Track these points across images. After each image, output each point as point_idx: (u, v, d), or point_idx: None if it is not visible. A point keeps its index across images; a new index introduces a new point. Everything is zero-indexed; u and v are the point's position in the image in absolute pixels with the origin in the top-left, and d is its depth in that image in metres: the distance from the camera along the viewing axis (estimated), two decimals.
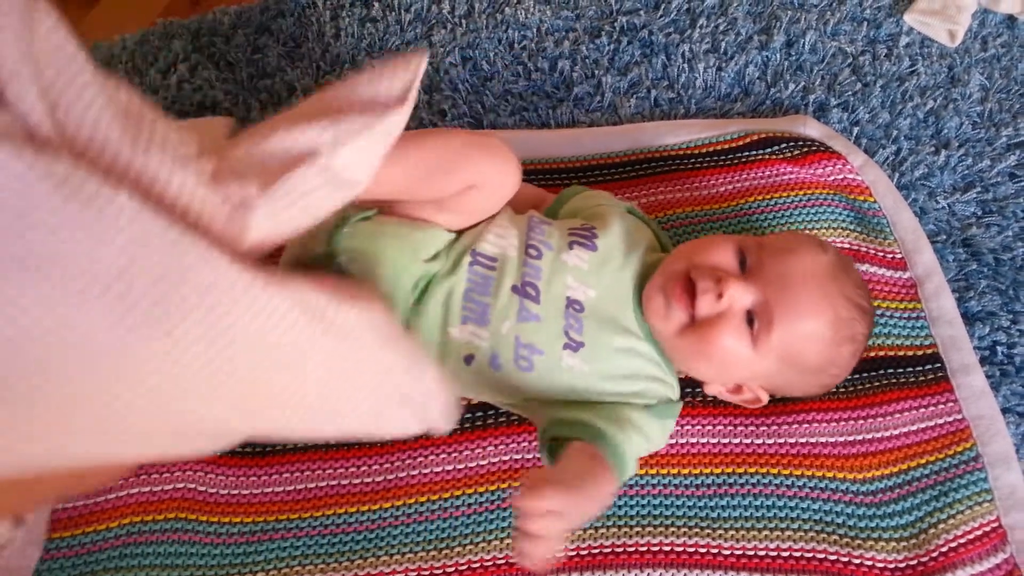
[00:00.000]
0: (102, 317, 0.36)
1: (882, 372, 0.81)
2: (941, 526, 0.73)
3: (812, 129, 0.96)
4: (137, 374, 0.39)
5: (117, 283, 0.36)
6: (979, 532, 0.72)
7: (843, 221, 0.89)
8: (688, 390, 0.79)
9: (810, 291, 0.68)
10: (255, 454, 0.77)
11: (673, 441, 0.77)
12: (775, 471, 0.76)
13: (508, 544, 0.73)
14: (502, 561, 0.72)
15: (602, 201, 0.81)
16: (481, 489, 0.75)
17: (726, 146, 0.95)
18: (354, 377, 0.49)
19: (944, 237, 0.91)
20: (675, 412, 0.73)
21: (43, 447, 0.42)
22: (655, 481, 0.75)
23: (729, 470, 0.76)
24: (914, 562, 0.71)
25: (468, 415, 0.78)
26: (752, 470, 0.76)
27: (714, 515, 0.74)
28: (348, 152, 0.45)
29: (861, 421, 0.78)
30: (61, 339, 0.36)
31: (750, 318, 0.68)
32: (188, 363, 0.39)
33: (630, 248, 0.74)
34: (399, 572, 0.72)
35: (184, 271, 0.38)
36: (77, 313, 0.36)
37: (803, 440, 0.77)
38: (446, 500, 0.75)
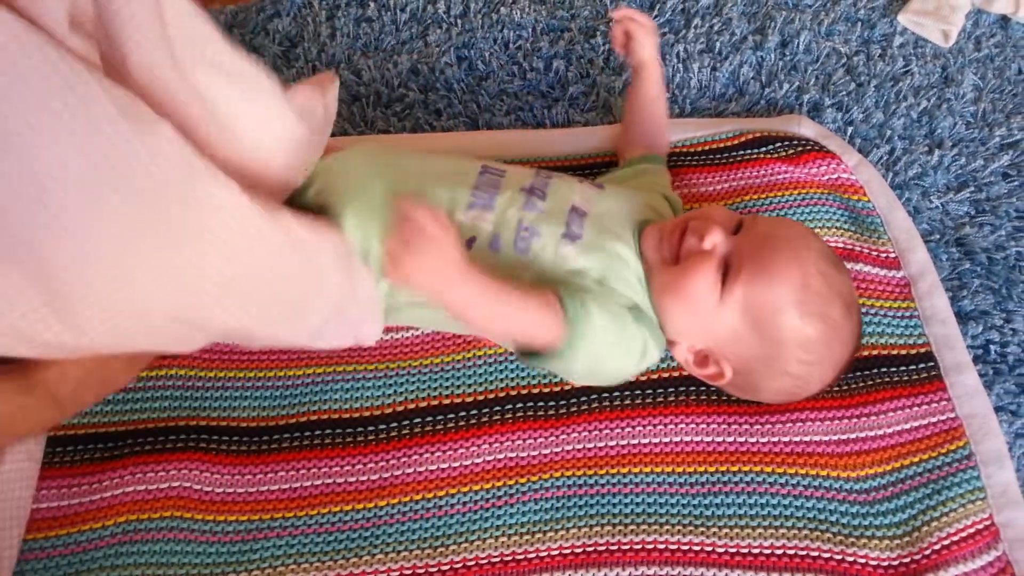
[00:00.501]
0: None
1: (875, 371, 0.81)
2: (934, 524, 0.73)
3: (806, 129, 0.97)
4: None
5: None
6: (972, 530, 0.73)
7: (837, 220, 0.89)
8: (682, 388, 0.80)
9: (783, 251, 0.70)
10: (250, 452, 0.77)
11: (666, 439, 0.77)
12: (768, 469, 0.76)
13: (503, 542, 0.73)
14: (496, 559, 0.72)
15: (650, 178, 0.87)
16: (476, 487, 0.76)
17: (720, 145, 0.95)
18: (303, 285, 0.66)
19: (937, 236, 0.91)
20: (653, 326, 0.74)
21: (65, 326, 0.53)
22: (649, 479, 0.76)
23: (723, 468, 0.76)
24: (907, 560, 0.72)
25: (463, 413, 0.79)
26: (746, 468, 0.76)
27: (708, 513, 0.74)
28: None
29: (854, 420, 0.78)
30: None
31: (726, 271, 0.70)
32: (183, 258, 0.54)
33: (634, 200, 0.79)
34: (394, 570, 0.72)
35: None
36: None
37: (796, 438, 0.77)
38: (440, 498, 0.75)
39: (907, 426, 0.78)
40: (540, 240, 0.72)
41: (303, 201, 0.73)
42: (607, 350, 0.70)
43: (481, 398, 0.80)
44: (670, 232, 0.74)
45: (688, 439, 0.78)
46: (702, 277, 0.70)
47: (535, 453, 0.77)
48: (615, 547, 0.72)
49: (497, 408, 0.79)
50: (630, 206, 0.79)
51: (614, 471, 0.76)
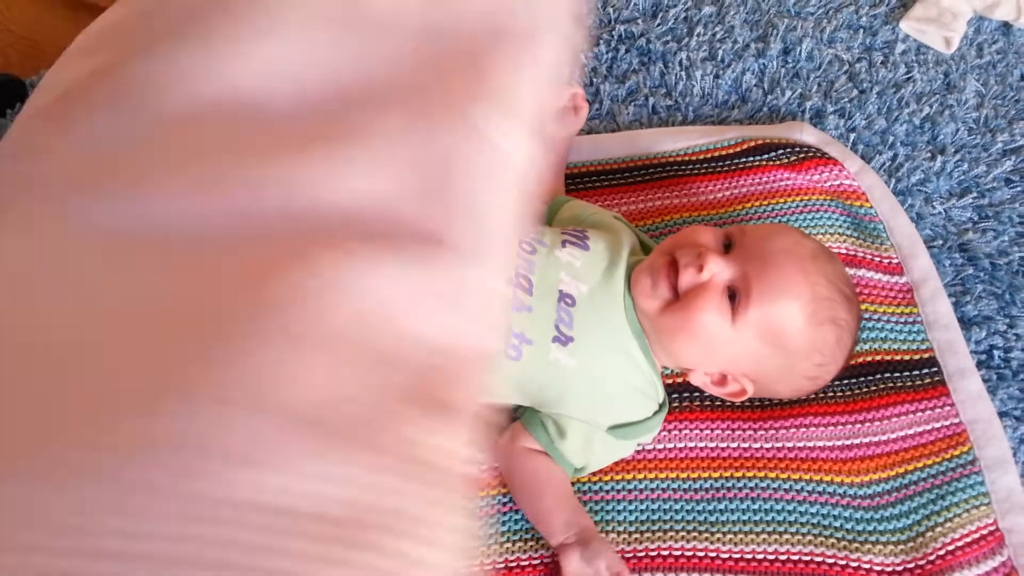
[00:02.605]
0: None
1: (879, 376, 0.81)
2: (939, 529, 0.73)
3: (809, 135, 0.97)
4: None
5: None
6: (976, 535, 0.73)
7: (839, 227, 0.90)
8: (686, 394, 0.80)
9: (788, 266, 0.70)
10: None
11: (671, 445, 0.78)
12: (773, 475, 0.76)
13: (507, 548, 0.73)
14: (501, 565, 0.72)
15: (592, 210, 0.84)
16: (481, 494, 0.76)
17: (723, 152, 0.96)
18: None
19: (940, 242, 0.92)
20: (645, 429, 0.75)
21: None
22: (653, 485, 0.76)
23: (727, 474, 0.76)
24: (912, 565, 0.72)
25: None
26: (750, 474, 0.76)
27: (712, 519, 0.74)
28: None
29: (858, 425, 0.79)
30: None
31: (731, 294, 0.69)
32: None
33: (619, 249, 0.76)
34: None
35: None
36: None
37: (800, 444, 0.78)
38: None
39: (911, 431, 0.78)
40: (531, 347, 0.70)
41: None
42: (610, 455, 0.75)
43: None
44: (659, 270, 0.71)
45: (692, 444, 0.78)
46: (710, 311, 0.68)
47: None
48: (619, 554, 0.72)
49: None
50: (616, 263, 0.74)
51: (618, 477, 0.76)
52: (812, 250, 0.72)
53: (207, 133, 0.37)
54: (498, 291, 0.39)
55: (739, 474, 0.76)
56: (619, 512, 0.74)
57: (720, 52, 1.06)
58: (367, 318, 0.33)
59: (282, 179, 0.36)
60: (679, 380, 0.81)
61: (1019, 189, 0.96)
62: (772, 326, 0.69)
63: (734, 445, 0.78)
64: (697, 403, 0.80)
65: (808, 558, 0.72)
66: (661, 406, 0.76)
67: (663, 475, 0.76)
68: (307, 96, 0.38)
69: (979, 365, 0.83)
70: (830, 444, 0.77)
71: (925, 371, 0.82)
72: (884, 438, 0.78)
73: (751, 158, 0.95)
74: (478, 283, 0.37)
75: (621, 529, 0.74)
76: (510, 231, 0.40)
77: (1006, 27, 1.13)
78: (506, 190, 0.40)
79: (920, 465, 0.77)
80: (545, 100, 0.43)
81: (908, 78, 1.05)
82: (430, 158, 0.37)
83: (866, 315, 0.84)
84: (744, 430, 0.78)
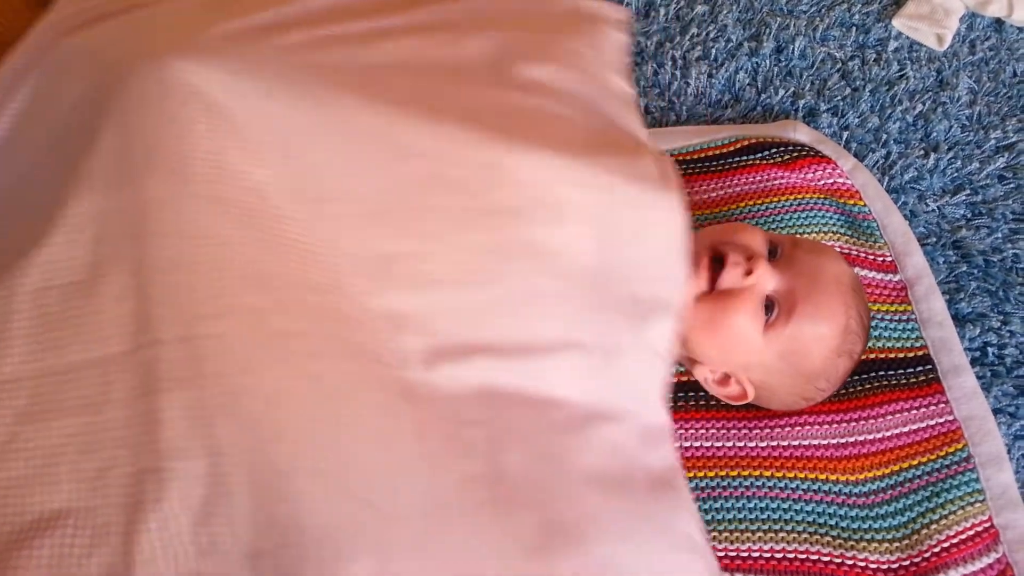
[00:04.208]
0: None
1: (874, 374, 0.81)
2: (934, 526, 0.73)
3: (802, 134, 0.97)
4: None
5: None
6: (971, 532, 0.73)
7: (833, 225, 0.90)
8: (681, 394, 0.80)
9: (835, 295, 0.70)
10: None
11: None
12: (768, 473, 0.76)
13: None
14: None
15: None
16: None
17: (717, 152, 0.96)
18: None
19: (934, 239, 0.92)
20: None
21: None
22: None
23: (723, 473, 0.77)
24: (907, 563, 0.72)
25: None
26: (745, 473, 0.76)
27: (708, 517, 0.74)
28: None
29: (853, 423, 0.79)
30: None
31: (768, 304, 0.69)
32: None
33: None
34: None
35: None
36: None
37: (796, 443, 0.78)
38: None
39: (906, 429, 0.79)
40: None
41: None
42: None
43: None
44: (700, 259, 0.70)
45: (688, 444, 0.78)
46: (744, 315, 0.68)
47: None
48: None
49: None
50: None
51: None
52: (854, 281, 0.73)
53: None
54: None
55: (735, 473, 0.76)
56: None
57: (713, 51, 1.06)
58: None
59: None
60: (675, 380, 0.81)
61: (1012, 186, 0.96)
62: (800, 347, 0.69)
63: (729, 444, 0.78)
64: (692, 403, 0.80)
65: (804, 556, 0.73)
66: None
67: None
68: None
69: (973, 362, 0.83)
70: (825, 442, 0.78)
71: (919, 369, 0.82)
72: (879, 436, 0.78)
73: (745, 157, 0.95)
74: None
75: None
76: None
77: (998, 24, 1.13)
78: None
79: (915, 463, 0.77)
80: None
81: (901, 76, 1.05)
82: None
83: None
84: (739, 429, 0.78)
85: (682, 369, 0.79)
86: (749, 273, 0.68)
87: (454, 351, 0.56)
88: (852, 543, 0.73)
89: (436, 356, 0.56)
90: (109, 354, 0.53)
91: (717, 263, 0.69)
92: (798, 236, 0.81)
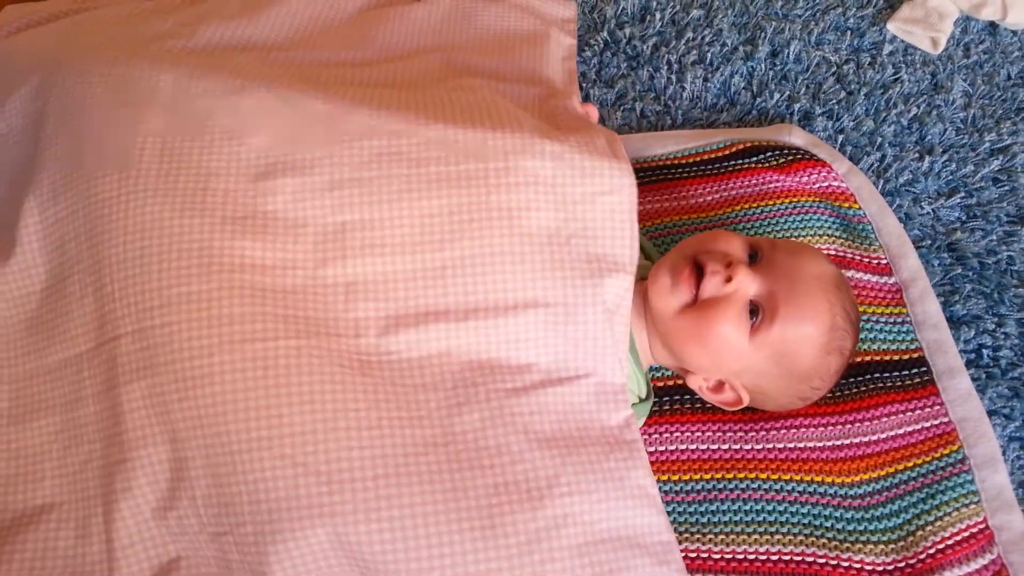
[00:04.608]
0: None
1: (869, 376, 0.82)
2: (929, 528, 0.73)
3: (797, 138, 0.98)
4: None
5: None
6: (966, 534, 0.73)
7: (829, 228, 0.90)
8: (676, 397, 0.80)
9: (817, 294, 0.70)
10: None
11: (662, 448, 0.78)
12: (764, 476, 0.76)
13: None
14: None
15: None
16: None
17: (712, 156, 0.96)
18: None
19: (929, 242, 0.92)
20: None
21: None
22: None
23: (718, 475, 0.77)
24: (902, 564, 0.72)
25: None
26: (741, 475, 0.77)
27: (703, 520, 0.75)
28: None
29: (848, 425, 0.79)
30: None
31: (752, 309, 0.69)
32: None
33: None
34: None
35: None
36: None
37: (791, 445, 0.78)
38: None
39: (901, 431, 0.79)
40: None
41: None
42: None
43: None
44: (680, 271, 0.70)
45: (683, 447, 0.78)
46: (730, 323, 0.68)
47: None
48: None
49: None
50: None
51: None
52: (836, 278, 0.72)
53: None
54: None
55: (730, 475, 0.77)
56: None
57: (708, 55, 1.07)
58: None
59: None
60: (670, 383, 0.81)
61: (1007, 188, 0.97)
62: (787, 349, 0.70)
63: (724, 447, 0.78)
64: (688, 406, 0.80)
65: (799, 558, 0.73)
66: (643, 399, 0.76)
67: (655, 477, 0.77)
68: None
69: (968, 364, 0.83)
70: (820, 445, 0.78)
71: (914, 371, 0.82)
72: (874, 438, 0.78)
73: (740, 161, 0.95)
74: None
75: None
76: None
77: (992, 27, 1.13)
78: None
79: (910, 464, 0.77)
80: None
81: (895, 79, 1.06)
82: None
83: None
84: (734, 432, 0.79)
85: (670, 372, 0.80)
86: (729, 280, 0.68)
87: (411, 317, 0.59)
88: (847, 545, 0.73)
89: (393, 322, 0.58)
90: (79, 352, 0.57)
91: (699, 273, 0.70)
92: (777, 239, 0.81)
